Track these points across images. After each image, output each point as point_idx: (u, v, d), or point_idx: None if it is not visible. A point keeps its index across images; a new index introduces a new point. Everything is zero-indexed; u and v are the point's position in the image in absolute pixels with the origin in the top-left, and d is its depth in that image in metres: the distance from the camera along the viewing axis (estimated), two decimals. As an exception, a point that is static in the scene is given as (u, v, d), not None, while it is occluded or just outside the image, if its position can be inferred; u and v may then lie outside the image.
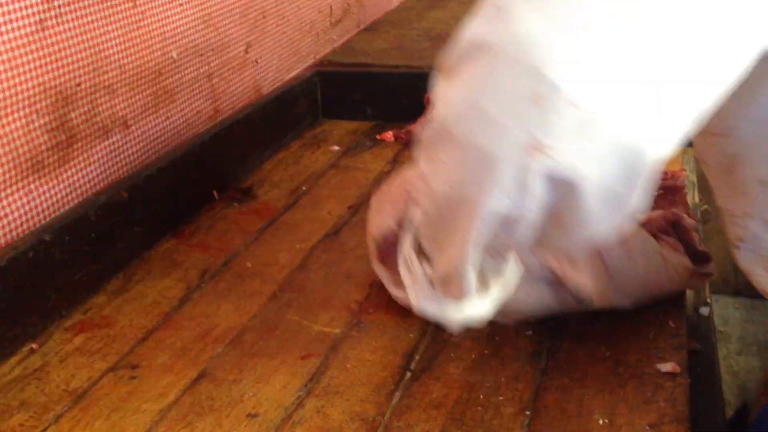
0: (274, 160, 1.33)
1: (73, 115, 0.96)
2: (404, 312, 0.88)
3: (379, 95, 1.49)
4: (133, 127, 1.08)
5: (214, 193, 1.18)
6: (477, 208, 0.53)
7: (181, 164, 1.10)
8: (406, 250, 0.64)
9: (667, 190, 1.01)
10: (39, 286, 0.86)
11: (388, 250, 0.85)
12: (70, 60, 0.95)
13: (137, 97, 1.08)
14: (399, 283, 0.81)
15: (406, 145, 1.37)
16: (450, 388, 0.75)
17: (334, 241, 1.05)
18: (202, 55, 1.24)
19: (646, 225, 0.86)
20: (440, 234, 0.58)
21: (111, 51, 1.03)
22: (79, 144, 0.98)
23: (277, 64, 1.52)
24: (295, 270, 0.98)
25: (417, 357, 0.80)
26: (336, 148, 1.37)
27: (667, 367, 0.76)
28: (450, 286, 0.60)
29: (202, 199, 1.15)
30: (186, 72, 1.20)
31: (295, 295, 0.92)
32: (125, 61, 1.05)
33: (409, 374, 0.78)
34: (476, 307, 0.61)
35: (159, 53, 1.13)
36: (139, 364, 0.80)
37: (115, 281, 0.96)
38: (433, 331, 0.84)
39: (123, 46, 1.05)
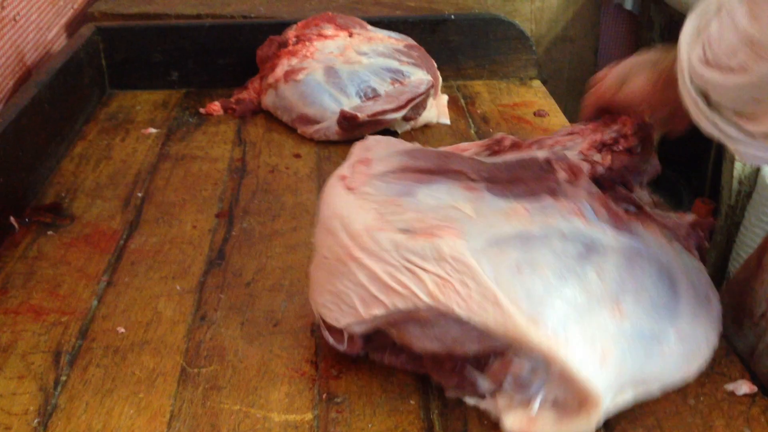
0: (72, 155, 0.97)
1: None
2: (378, 366, 0.64)
3: (185, 55, 1.16)
4: None
5: (12, 219, 0.81)
6: None
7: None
8: (714, 124, 0.55)
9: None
10: None
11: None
12: None
13: None
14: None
15: (242, 118, 1.08)
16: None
17: (224, 271, 0.76)
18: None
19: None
20: None
21: None
22: None
23: (37, 20, 1.12)
24: (195, 327, 0.68)
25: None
26: (152, 130, 1.04)
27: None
28: None
29: (-2, 232, 0.79)
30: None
31: (216, 369, 0.64)
32: None
33: (450, 470, 0.55)
34: None
35: None
36: None
37: None
38: (434, 390, 0.62)
39: None
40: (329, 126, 1.00)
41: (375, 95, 1.01)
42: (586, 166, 0.65)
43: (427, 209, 0.58)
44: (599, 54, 2.08)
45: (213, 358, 0.65)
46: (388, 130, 1.01)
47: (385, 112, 0.98)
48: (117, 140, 1.01)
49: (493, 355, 0.56)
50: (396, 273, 0.56)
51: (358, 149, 0.66)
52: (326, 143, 1.00)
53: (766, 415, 0.58)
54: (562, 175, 0.63)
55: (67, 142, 0.99)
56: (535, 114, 1.09)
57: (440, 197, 0.59)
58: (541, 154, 0.65)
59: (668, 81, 0.64)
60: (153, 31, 1.16)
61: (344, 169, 0.63)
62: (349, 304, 0.58)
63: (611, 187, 0.65)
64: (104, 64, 1.14)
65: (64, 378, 0.62)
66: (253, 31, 1.15)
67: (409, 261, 0.56)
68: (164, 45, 1.16)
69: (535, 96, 1.14)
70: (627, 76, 0.69)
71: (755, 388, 0.61)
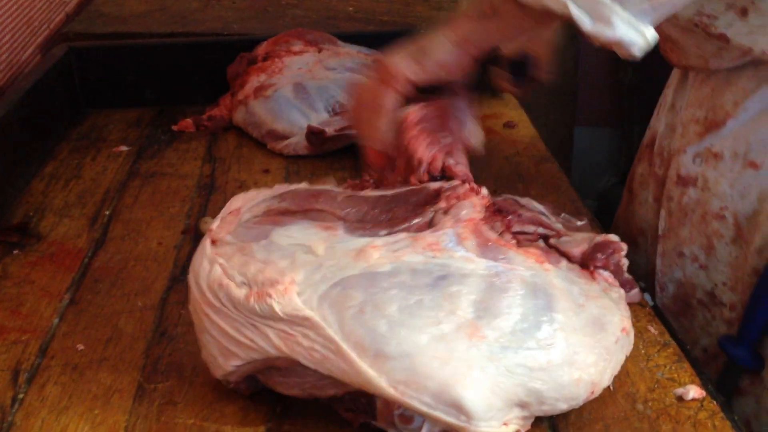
0: (43, 175, 0.98)
1: None
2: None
3: (158, 73, 1.17)
4: None
5: (-22, 239, 0.82)
6: None
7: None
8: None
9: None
10: None
11: None
12: None
13: None
14: None
15: (214, 135, 1.09)
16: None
17: (187, 287, 0.76)
18: None
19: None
20: None
21: None
22: None
23: (11, 40, 1.13)
24: (154, 343, 0.69)
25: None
26: (124, 148, 1.05)
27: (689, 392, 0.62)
28: None
29: (-36, 252, 0.79)
30: None
31: (173, 384, 0.64)
32: None
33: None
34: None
35: None
36: None
37: None
38: None
39: None
40: (298, 141, 1.01)
41: (343, 110, 1.02)
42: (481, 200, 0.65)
43: (275, 252, 0.58)
44: (579, 64, 2.10)
45: (170, 374, 0.65)
46: (356, 144, 1.02)
47: (352, 126, 0.99)
48: (88, 159, 1.02)
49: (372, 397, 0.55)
50: (241, 328, 0.57)
51: (234, 200, 0.65)
52: (295, 158, 1.01)
53: (713, 419, 0.59)
54: (442, 204, 0.63)
55: (38, 162, 1.00)
56: (504, 125, 1.10)
57: (293, 236, 0.59)
58: (434, 184, 0.66)
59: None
60: (126, 50, 1.18)
61: (214, 223, 0.63)
62: (214, 356, 0.59)
63: (512, 212, 0.65)
64: (78, 83, 1.15)
65: (21, 396, 0.63)
66: (226, 49, 1.16)
67: (249, 317, 0.56)
68: (138, 64, 1.17)
69: (506, 107, 1.15)
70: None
71: (703, 393, 0.61)
